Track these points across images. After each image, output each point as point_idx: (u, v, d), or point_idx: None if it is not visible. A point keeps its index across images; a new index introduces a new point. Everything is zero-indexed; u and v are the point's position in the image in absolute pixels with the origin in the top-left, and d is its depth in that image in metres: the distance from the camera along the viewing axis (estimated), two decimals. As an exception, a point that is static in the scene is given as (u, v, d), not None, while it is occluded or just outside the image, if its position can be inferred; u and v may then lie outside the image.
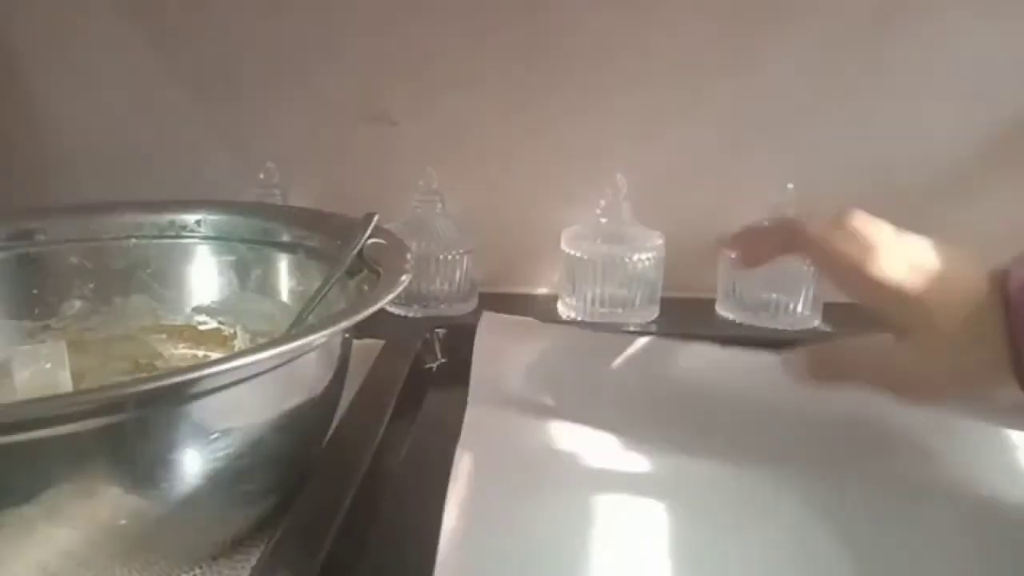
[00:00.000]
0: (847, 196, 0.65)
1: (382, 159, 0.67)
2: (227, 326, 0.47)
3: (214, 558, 0.34)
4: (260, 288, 0.47)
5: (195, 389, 0.29)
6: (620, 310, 0.61)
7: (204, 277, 0.47)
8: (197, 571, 0.34)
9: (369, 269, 0.41)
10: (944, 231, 0.65)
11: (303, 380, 0.35)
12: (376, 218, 0.42)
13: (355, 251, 0.41)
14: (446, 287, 0.63)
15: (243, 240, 0.47)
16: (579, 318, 0.62)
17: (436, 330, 0.54)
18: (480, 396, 0.44)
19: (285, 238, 0.46)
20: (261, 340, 0.46)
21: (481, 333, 0.49)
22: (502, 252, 0.67)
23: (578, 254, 0.61)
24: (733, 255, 0.43)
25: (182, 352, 0.47)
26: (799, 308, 0.61)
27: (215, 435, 0.30)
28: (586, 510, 0.35)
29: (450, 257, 0.62)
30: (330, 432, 0.39)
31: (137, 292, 0.47)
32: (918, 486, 0.39)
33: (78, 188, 0.68)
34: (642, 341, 0.49)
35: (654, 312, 0.63)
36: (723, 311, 0.64)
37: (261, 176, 0.64)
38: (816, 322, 0.62)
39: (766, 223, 0.57)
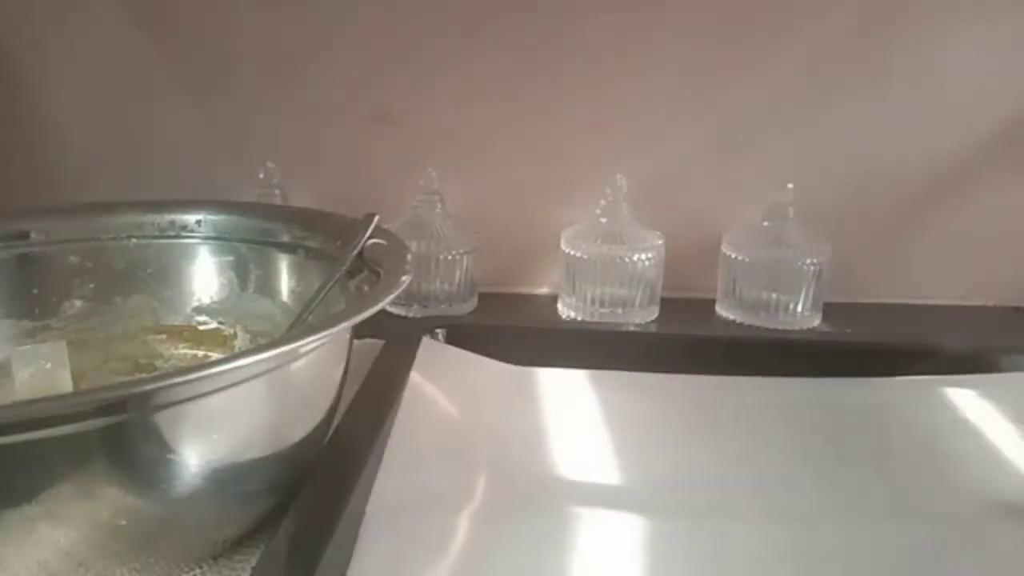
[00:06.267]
0: (847, 196, 0.66)
1: (382, 159, 0.67)
2: (227, 326, 0.47)
3: (214, 558, 0.34)
4: (260, 288, 0.47)
5: (195, 389, 0.29)
6: (620, 310, 0.61)
7: (204, 277, 0.47)
8: (197, 571, 0.34)
9: (369, 269, 0.41)
10: (944, 232, 0.66)
11: (303, 380, 0.35)
12: (376, 218, 0.42)
13: (355, 251, 0.41)
14: (446, 287, 0.63)
15: (243, 240, 0.47)
16: (579, 318, 0.62)
17: (436, 330, 0.54)
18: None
19: (285, 238, 0.46)
20: (261, 340, 0.46)
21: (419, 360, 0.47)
22: (502, 252, 0.67)
23: (578, 254, 0.61)
24: None
25: (182, 352, 0.47)
26: (799, 308, 0.61)
27: (215, 435, 0.30)
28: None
29: (450, 257, 0.62)
30: (330, 432, 0.39)
31: (137, 292, 0.47)
32: None
33: (78, 188, 0.68)
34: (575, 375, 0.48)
35: (654, 312, 0.63)
36: (723, 311, 0.64)
37: (261, 176, 0.65)
38: (816, 322, 0.62)
39: None
